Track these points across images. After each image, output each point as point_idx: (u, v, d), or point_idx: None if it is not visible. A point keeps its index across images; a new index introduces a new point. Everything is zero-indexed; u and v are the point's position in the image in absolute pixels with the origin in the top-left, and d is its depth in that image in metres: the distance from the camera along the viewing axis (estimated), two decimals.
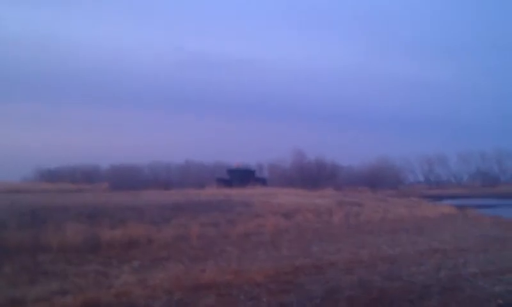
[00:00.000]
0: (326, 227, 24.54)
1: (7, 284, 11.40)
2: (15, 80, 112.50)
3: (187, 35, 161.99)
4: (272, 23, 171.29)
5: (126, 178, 70.51)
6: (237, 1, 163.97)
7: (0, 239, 16.07)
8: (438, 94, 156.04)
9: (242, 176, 67.39)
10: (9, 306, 9.68)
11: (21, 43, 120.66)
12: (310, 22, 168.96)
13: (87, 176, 78.09)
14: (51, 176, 78.35)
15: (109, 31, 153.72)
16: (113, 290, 10.69)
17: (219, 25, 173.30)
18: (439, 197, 61.10)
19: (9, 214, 20.03)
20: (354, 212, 30.35)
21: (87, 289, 10.94)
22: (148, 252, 16.49)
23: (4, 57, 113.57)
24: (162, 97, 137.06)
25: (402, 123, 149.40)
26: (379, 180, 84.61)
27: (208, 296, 10.34)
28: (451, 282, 11.81)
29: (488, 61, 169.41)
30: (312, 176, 78.53)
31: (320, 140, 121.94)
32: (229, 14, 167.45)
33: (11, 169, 74.46)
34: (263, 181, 67.89)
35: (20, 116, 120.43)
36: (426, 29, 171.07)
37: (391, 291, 10.83)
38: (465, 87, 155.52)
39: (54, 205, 23.74)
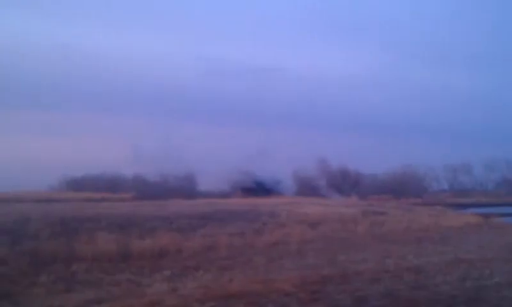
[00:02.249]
0: (351, 236, 24.66)
1: (45, 293, 11.79)
2: (38, 88, 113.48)
3: (208, 43, 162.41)
4: (293, 31, 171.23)
5: (150, 187, 70.95)
6: (258, 9, 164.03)
7: (35, 249, 16.57)
8: (463, 102, 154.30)
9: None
10: None
11: (41, 51, 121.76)
12: (332, 29, 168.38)
13: (111, 185, 78.71)
14: (76, 185, 79.17)
15: (129, 41, 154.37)
16: (146, 299, 10.98)
17: (241, 32, 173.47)
18: (464, 206, 60.56)
19: (41, 224, 20.49)
20: (379, 221, 30.39)
21: (121, 298, 11.27)
22: (177, 261, 16.81)
23: (25, 65, 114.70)
24: (182, 106, 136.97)
25: (427, 130, 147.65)
26: (404, 188, 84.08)
27: (237, 305, 10.59)
28: (477, 292, 11.92)
29: None
30: (336, 184, 78.50)
31: (344, 148, 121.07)
32: (250, 21, 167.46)
33: (37, 178, 75.16)
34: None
35: (44, 124, 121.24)
36: (452, 36, 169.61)
37: (417, 301, 11.00)
38: (491, 94, 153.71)
39: (84, 215, 24.20)
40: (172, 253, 18.25)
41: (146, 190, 66.63)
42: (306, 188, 75.95)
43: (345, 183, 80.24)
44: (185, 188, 68.88)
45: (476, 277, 13.97)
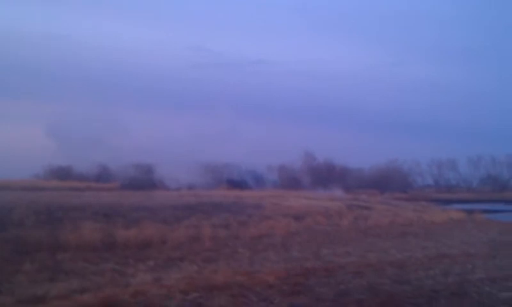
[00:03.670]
0: (335, 230, 24.80)
1: (28, 282, 11.75)
2: (27, 77, 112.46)
3: (204, 35, 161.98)
4: (281, 23, 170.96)
5: (135, 178, 70.54)
6: (258, 3, 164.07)
7: (19, 237, 16.51)
8: (449, 98, 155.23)
9: None
10: (32, 303, 10.01)
11: (29, 40, 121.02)
12: (324, 24, 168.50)
13: (97, 175, 78.38)
14: (61, 173, 78.68)
15: (123, 31, 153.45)
16: (130, 289, 11.00)
17: (234, 25, 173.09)
18: (448, 202, 60.97)
19: (26, 212, 20.40)
20: (364, 215, 30.59)
21: (105, 287, 11.27)
22: (162, 252, 16.81)
23: (12, 53, 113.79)
24: (174, 96, 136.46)
25: (413, 126, 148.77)
26: (389, 183, 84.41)
27: (221, 296, 10.65)
28: (459, 287, 12.07)
29: (501, 65, 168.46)
30: (322, 178, 78.54)
31: (330, 142, 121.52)
32: (244, 14, 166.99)
33: (22, 166, 74.48)
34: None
35: (29, 113, 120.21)
36: (439, 33, 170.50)
37: (399, 295, 11.12)
38: (477, 91, 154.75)
39: (69, 204, 24.07)
40: (157, 244, 18.22)
41: (129, 180, 66.22)
42: (291, 181, 75.87)
43: (331, 177, 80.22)
44: (171, 180, 68.50)
45: (458, 272, 14.13)
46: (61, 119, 73.70)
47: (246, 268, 13.95)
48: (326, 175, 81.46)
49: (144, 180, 65.15)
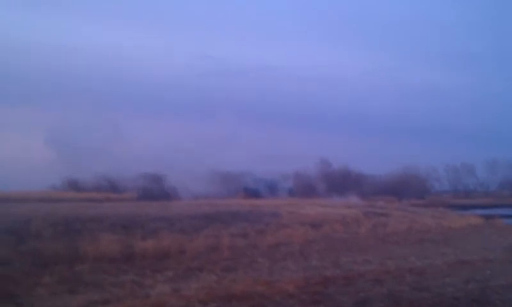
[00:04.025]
0: (353, 238, 24.65)
1: (48, 294, 11.81)
2: (29, 86, 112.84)
3: (211, 43, 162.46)
4: (296, 31, 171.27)
5: (151, 188, 70.61)
6: (260, 9, 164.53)
7: (38, 249, 16.57)
8: (466, 102, 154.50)
9: None
10: None
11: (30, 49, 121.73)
12: (333, 30, 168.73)
13: (113, 185, 78.50)
14: (78, 184, 78.96)
15: (126, 40, 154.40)
16: (150, 300, 11.04)
17: (242, 32, 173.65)
18: (466, 207, 60.43)
19: (45, 224, 20.48)
20: (381, 222, 30.39)
21: (125, 299, 11.31)
22: (180, 262, 16.79)
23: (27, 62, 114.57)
24: (183, 105, 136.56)
25: (429, 131, 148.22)
26: (406, 189, 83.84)
27: (240, 306, 10.64)
28: (480, 294, 11.94)
29: (507, 68, 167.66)
30: (337, 185, 78.25)
31: (346, 149, 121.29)
32: (252, 21, 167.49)
33: (40, 177, 74.65)
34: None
35: (45, 124, 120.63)
36: (451, 36, 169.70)
37: (420, 303, 11.02)
38: (493, 95, 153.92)
39: (87, 215, 24.14)
40: (175, 254, 18.22)
41: (146, 190, 66.39)
42: (306, 189, 75.61)
43: (346, 183, 79.86)
44: (185, 189, 68.55)
45: (479, 279, 13.99)
46: (66, 129, 74.21)
47: (265, 278, 13.92)
48: (341, 182, 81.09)
49: (158, 190, 65.33)
